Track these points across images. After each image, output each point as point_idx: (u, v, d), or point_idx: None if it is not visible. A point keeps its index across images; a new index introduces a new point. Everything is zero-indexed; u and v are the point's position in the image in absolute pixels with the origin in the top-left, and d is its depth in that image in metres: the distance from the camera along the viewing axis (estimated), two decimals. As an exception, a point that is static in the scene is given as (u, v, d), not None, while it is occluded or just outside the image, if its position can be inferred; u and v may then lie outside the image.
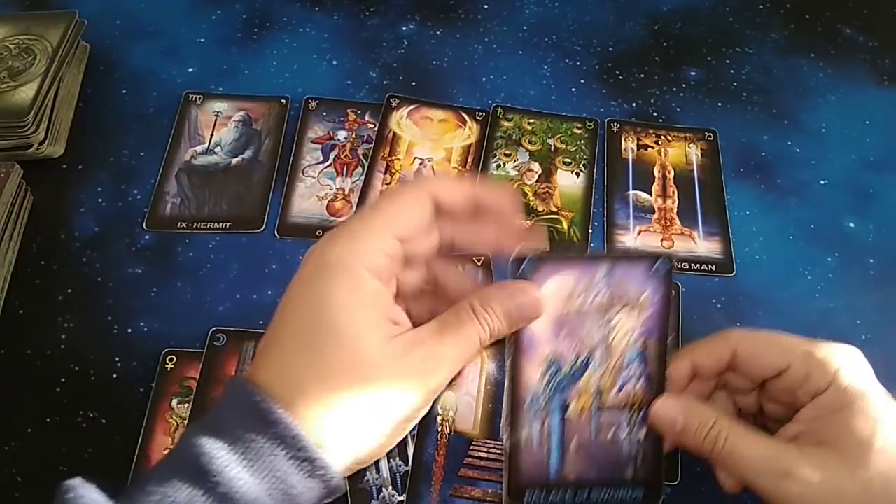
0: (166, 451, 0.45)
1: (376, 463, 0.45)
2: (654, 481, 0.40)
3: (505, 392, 0.38)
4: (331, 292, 0.31)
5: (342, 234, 0.33)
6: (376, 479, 0.44)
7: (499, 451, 0.45)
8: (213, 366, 0.48)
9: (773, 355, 0.38)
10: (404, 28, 0.67)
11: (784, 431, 0.38)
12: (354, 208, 0.56)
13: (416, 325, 0.34)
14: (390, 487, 0.44)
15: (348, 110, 0.61)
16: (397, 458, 0.45)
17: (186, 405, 0.47)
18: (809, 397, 0.37)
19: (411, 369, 0.31)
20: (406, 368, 0.31)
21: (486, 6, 0.69)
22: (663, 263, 0.38)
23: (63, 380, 0.48)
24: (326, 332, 0.31)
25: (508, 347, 0.37)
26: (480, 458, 0.45)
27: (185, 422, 0.46)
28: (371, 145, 0.59)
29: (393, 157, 0.58)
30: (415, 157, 0.59)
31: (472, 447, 0.45)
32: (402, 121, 0.61)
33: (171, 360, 0.49)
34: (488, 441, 0.46)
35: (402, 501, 0.44)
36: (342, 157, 0.59)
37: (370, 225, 0.33)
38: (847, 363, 0.37)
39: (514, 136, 0.60)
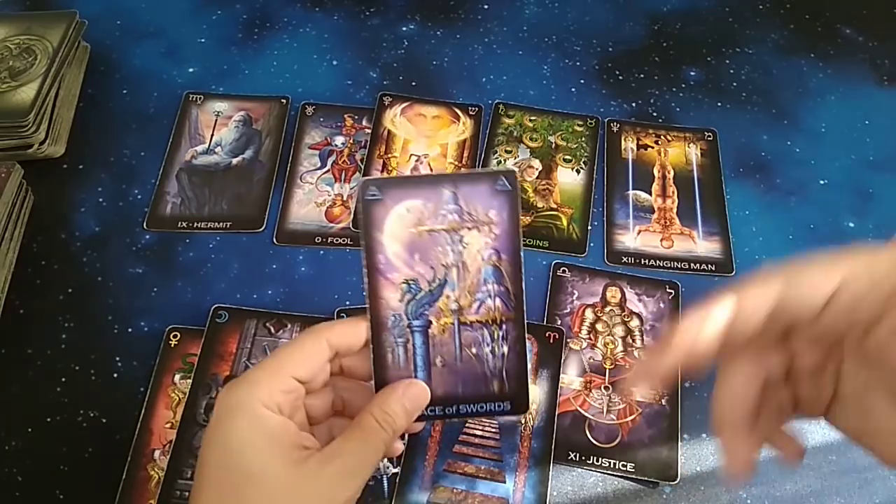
0: (167, 425, 0.46)
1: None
2: (520, 394, 0.41)
3: (368, 314, 0.38)
4: (235, 434, 0.33)
5: (242, 380, 0.35)
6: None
7: (494, 430, 0.45)
8: (214, 342, 0.49)
9: (816, 274, 0.27)
10: (404, 28, 0.67)
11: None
12: (353, 214, 0.55)
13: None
14: (385, 460, 0.45)
15: (345, 115, 0.61)
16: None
17: (188, 380, 0.47)
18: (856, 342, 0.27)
19: (325, 487, 0.33)
20: (320, 488, 0.33)
21: (486, 6, 0.69)
22: (506, 179, 0.38)
23: (63, 379, 0.48)
24: (237, 472, 0.33)
25: (364, 272, 0.37)
26: (475, 436, 0.46)
27: (186, 397, 0.47)
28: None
29: (389, 155, 0.58)
30: (410, 154, 0.58)
31: (467, 424, 0.47)
32: (395, 118, 0.60)
33: (174, 336, 0.49)
34: (483, 419, 0.47)
35: (397, 474, 0.45)
36: (340, 162, 0.59)
37: (266, 368, 0.35)
38: None
39: (515, 133, 0.60)
